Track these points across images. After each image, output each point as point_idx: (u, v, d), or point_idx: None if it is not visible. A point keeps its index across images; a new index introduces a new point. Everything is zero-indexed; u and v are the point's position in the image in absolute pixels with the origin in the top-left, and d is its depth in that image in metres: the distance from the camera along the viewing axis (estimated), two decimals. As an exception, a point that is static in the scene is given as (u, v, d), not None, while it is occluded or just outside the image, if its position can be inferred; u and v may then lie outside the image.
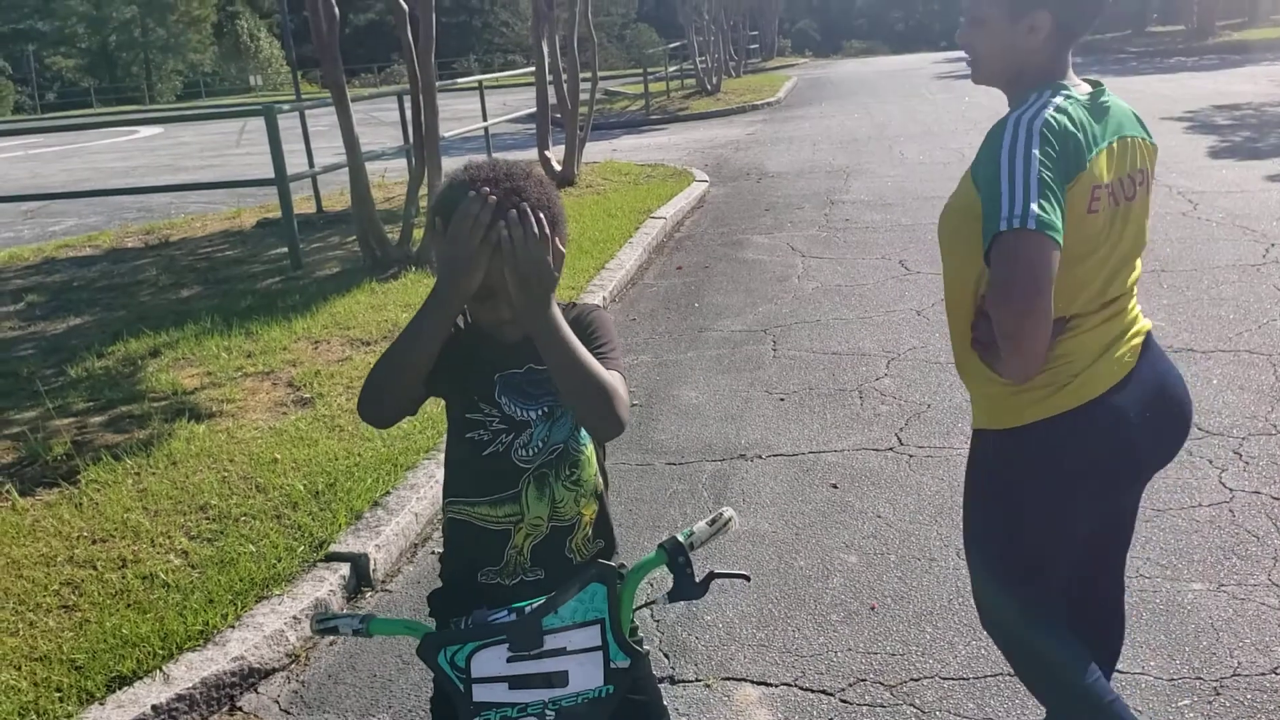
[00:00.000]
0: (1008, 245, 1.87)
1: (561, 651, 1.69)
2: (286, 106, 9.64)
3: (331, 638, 3.66)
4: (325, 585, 3.82)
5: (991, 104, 19.00)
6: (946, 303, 2.25)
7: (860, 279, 7.70)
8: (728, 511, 1.81)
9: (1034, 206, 1.87)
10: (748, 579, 1.90)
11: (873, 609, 3.55)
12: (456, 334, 1.89)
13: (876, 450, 4.76)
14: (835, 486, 4.44)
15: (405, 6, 8.50)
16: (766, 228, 9.95)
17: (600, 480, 1.95)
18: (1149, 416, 2.14)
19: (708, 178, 13.21)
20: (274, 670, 3.49)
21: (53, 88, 65.77)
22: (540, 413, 1.86)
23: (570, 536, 1.90)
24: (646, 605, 1.88)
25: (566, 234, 1.86)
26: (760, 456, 4.82)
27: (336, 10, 8.20)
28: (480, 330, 1.88)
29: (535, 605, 1.70)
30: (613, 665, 1.72)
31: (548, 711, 1.71)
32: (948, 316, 2.26)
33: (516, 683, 1.69)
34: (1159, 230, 8.28)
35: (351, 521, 4.24)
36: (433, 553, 4.25)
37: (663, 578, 1.84)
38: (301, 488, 4.47)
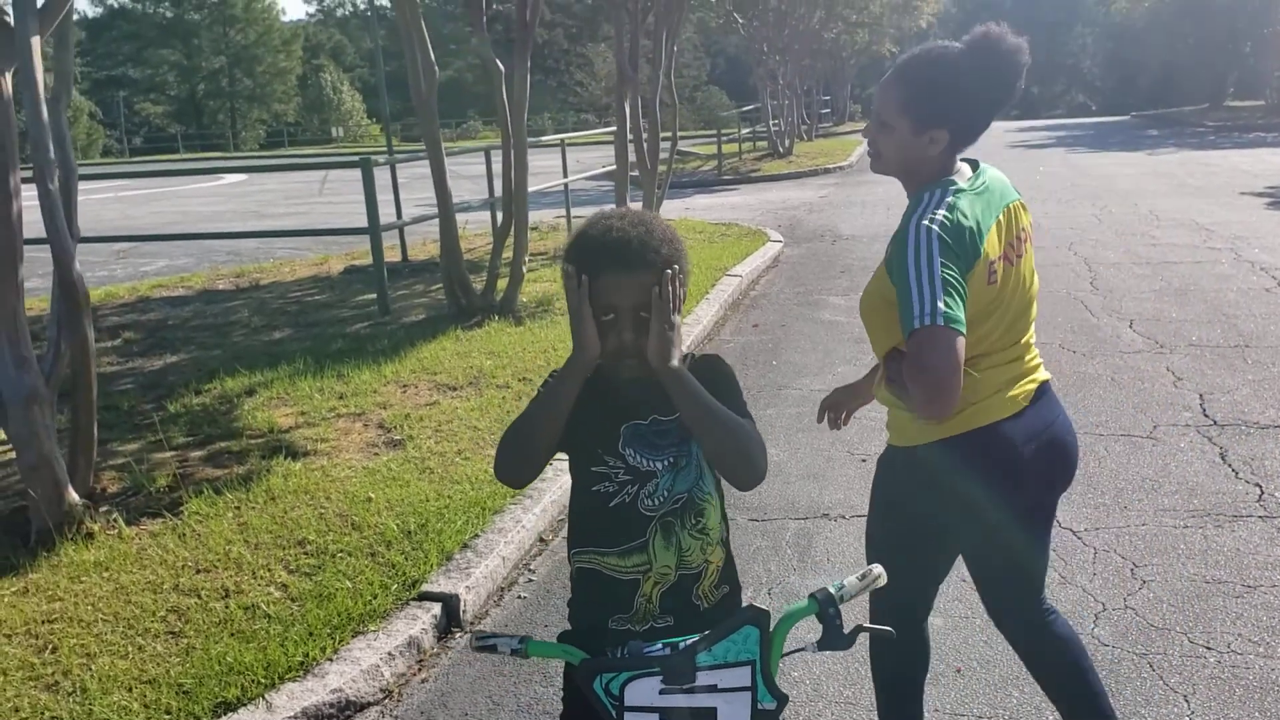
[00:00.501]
0: (921, 337, 2.22)
1: (712, 689, 1.75)
2: (381, 159, 9.95)
3: (424, 675, 3.76)
4: (418, 624, 3.92)
5: (1068, 174, 19.02)
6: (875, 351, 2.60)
7: (938, 344, 7.71)
8: (877, 568, 1.87)
9: (940, 304, 2.21)
10: (892, 635, 1.96)
11: (958, 671, 3.56)
12: (587, 390, 1.99)
13: (960, 514, 4.77)
14: (919, 549, 4.46)
15: (501, 66, 8.78)
16: (843, 289, 10.03)
17: (725, 528, 2.04)
18: (1034, 453, 2.45)
19: (782, 238, 13.34)
20: (369, 704, 3.59)
21: (140, 132, 68.08)
22: (666, 463, 1.95)
23: (698, 584, 1.97)
24: (795, 651, 1.94)
25: (688, 271, 2.01)
26: (844, 516, 4.86)
27: (436, 69, 8.49)
28: (605, 383, 1.97)
29: (691, 641, 1.77)
30: (760, 706, 1.78)
31: None
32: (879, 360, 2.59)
33: (667, 715, 1.75)
34: (1242, 306, 8.23)
35: (442, 562, 4.35)
36: (519, 597, 4.34)
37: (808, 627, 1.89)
38: (394, 527, 4.60)
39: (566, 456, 2.05)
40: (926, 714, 3.33)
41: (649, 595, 1.95)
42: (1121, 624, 3.78)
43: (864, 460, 5.50)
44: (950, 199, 2.34)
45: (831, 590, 1.85)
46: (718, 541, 2.00)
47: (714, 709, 1.76)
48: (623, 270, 1.89)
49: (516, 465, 1.96)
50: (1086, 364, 6.96)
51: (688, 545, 1.95)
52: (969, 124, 2.44)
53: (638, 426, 1.97)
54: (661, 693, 1.74)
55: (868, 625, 1.88)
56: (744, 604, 2.07)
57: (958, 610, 3.94)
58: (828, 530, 4.72)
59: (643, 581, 1.94)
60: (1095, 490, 4.95)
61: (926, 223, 2.29)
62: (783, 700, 1.80)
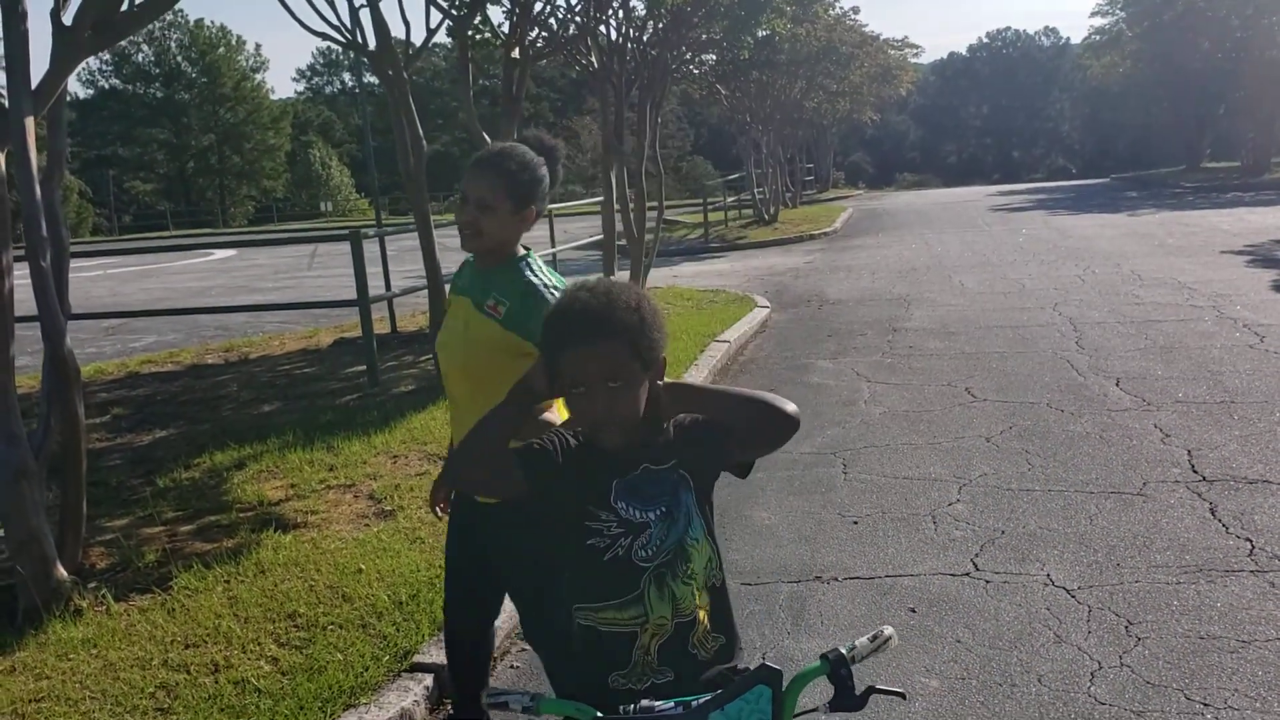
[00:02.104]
0: None
1: None
2: (370, 232, 10.03)
3: (417, 747, 3.71)
4: (410, 695, 3.88)
5: (1050, 235, 19.26)
6: (468, 398, 2.88)
7: (927, 405, 7.76)
8: (888, 630, 1.88)
9: None
10: (903, 697, 1.96)
11: (912, 611, 3.53)
12: (571, 450, 2.03)
13: (953, 575, 4.77)
14: (913, 610, 4.45)
15: (488, 139, 8.90)
16: (830, 353, 10.08)
17: (719, 575, 2.05)
18: None
19: (769, 303, 13.43)
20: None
21: (129, 210, 68.38)
22: (658, 513, 1.98)
23: (692, 632, 1.98)
24: (808, 713, 1.93)
25: (664, 347, 2.05)
26: (837, 579, 4.84)
27: (425, 144, 8.61)
28: (592, 445, 2.02)
29: (703, 700, 1.77)
30: None
31: None
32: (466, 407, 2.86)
33: None
34: (1226, 363, 8.30)
35: (434, 632, 4.31)
36: (512, 666, 4.31)
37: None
38: (386, 597, 4.57)
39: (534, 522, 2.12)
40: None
41: (647, 647, 1.95)
42: (1118, 682, 3.76)
43: (855, 522, 5.50)
44: (537, 263, 2.94)
45: (843, 651, 1.86)
46: (704, 586, 2.01)
47: None
48: (585, 342, 1.93)
49: (481, 476, 2.11)
50: (1074, 423, 6.99)
51: (681, 594, 1.97)
52: (543, 202, 2.96)
53: (630, 479, 1.99)
54: None
55: (880, 686, 1.88)
56: (739, 657, 2.08)
57: (953, 671, 3.92)
58: (820, 593, 4.70)
59: (640, 634, 1.95)
60: (1087, 548, 4.95)
61: (543, 282, 2.86)
62: None
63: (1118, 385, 7.92)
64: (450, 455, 2.03)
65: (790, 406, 2.05)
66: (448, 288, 9.29)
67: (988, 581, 4.68)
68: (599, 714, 1.81)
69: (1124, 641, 4.05)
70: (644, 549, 1.95)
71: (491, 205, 2.84)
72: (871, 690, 1.86)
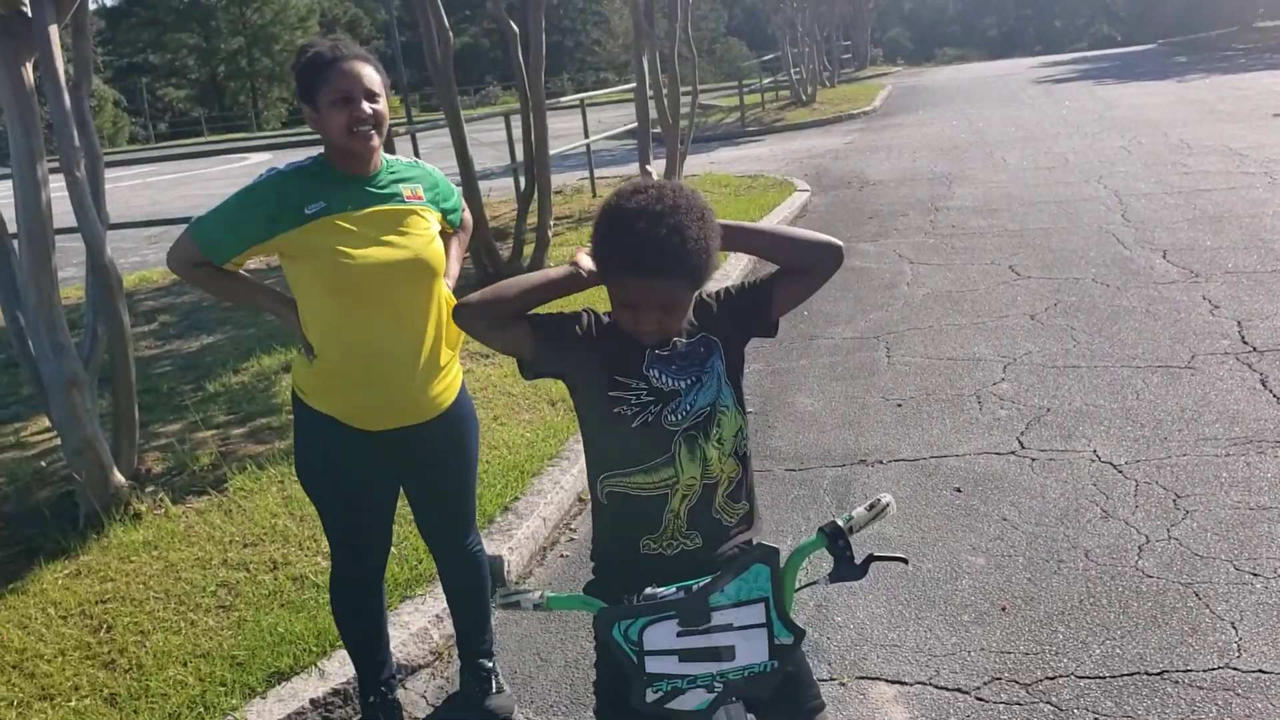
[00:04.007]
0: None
1: (728, 628, 1.78)
2: (401, 130, 9.94)
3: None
4: (464, 586, 3.96)
5: (1094, 107, 18.73)
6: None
7: (970, 285, 7.67)
8: (886, 497, 1.88)
9: None
10: (905, 562, 1.97)
11: (1003, 610, 3.57)
12: (603, 326, 2.05)
13: (998, 454, 4.77)
14: (959, 490, 4.46)
15: (516, 28, 8.73)
16: (871, 235, 9.95)
17: (745, 444, 2.07)
18: None
19: (809, 187, 13.24)
20: (420, 666, 3.65)
21: (164, 118, 68.32)
22: (689, 381, 1.99)
23: (716, 496, 2.01)
24: (807, 586, 1.96)
25: (717, 256, 1.98)
26: (881, 462, 4.85)
27: (451, 35, 8.45)
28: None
29: (702, 583, 1.79)
30: (777, 641, 1.81)
31: (716, 683, 1.81)
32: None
33: (686, 656, 1.78)
34: (1279, 230, 8.10)
35: (484, 525, 4.39)
36: (562, 555, 4.39)
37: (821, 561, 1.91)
38: (435, 494, 4.63)
39: (569, 389, 2.11)
40: (975, 651, 3.35)
41: (677, 511, 1.99)
42: (1166, 555, 3.76)
43: (899, 405, 5.49)
44: None
45: (840, 523, 1.87)
46: (732, 453, 2.03)
47: (732, 646, 1.79)
48: (651, 276, 1.88)
49: (486, 309, 2.02)
50: (1120, 297, 6.88)
51: (710, 455, 1.99)
52: None
53: (660, 350, 2.00)
54: (679, 635, 1.78)
55: (880, 554, 1.89)
56: (758, 526, 2.12)
57: (999, 549, 3.94)
58: (865, 476, 4.72)
59: (670, 496, 1.98)
60: (1134, 423, 4.91)
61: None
62: (799, 634, 1.83)
63: (1165, 257, 7.77)
64: (475, 295, 1.98)
65: (827, 237, 2.10)
66: (482, 184, 9.25)
67: (1033, 459, 4.67)
68: (604, 605, 1.83)
69: (1172, 515, 4.04)
70: (673, 414, 1.97)
71: (381, 93, 2.73)
72: (872, 558, 1.88)
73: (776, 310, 2.10)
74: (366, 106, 2.65)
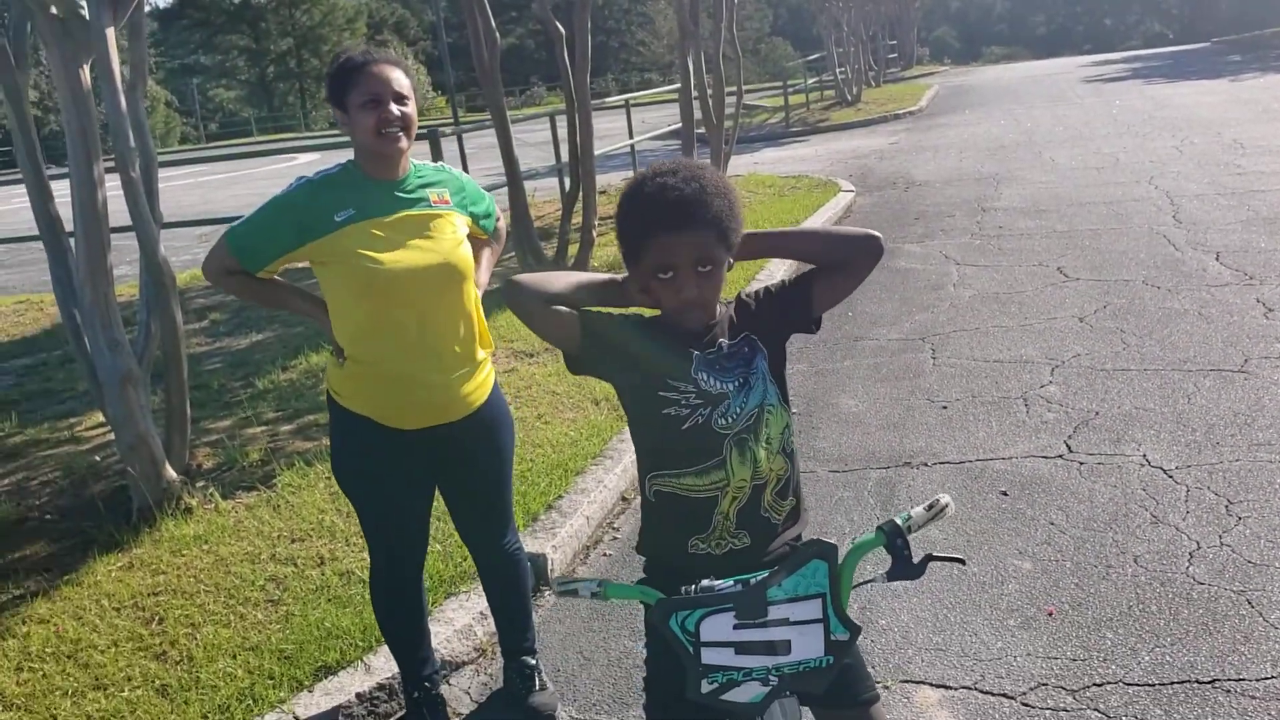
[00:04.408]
0: None
1: (784, 622, 1.79)
2: (448, 130, 10.01)
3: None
4: (508, 584, 3.99)
5: (1145, 106, 18.46)
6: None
7: (1018, 286, 7.59)
8: (944, 497, 1.88)
9: None
10: (963, 563, 1.97)
11: (1050, 615, 3.53)
12: (650, 322, 2.06)
13: (1045, 458, 4.72)
14: (1005, 494, 4.42)
15: (562, 30, 8.76)
16: (917, 236, 9.89)
17: (791, 441, 2.08)
18: None
19: (853, 187, 13.18)
20: (464, 663, 3.67)
21: (214, 118, 69.34)
22: (736, 384, 2.00)
23: (763, 494, 2.02)
24: (865, 583, 1.96)
25: (742, 220, 2.03)
26: (926, 464, 4.82)
27: (498, 36, 8.50)
28: (669, 324, 2.04)
29: (761, 577, 1.80)
30: (833, 638, 1.81)
31: (771, 677, 1.81)
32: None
33: (742, 648, 1.79)
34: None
35: (528, 523, 4.42)
36: (605, 555, 4.40)
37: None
38: (480, 492, 4.66)
39: (617, 390, 2.13)
40: (1021, 656, 3.32)
41: (726, 512, 2.00)
42: (1218, 562, 3.71)
43: (945, 407, 5.45)
44: None
45: (899, 521, 1.87)
46: (779, 450, 2.04)
47: (788, 641, 1.79)
48: (679, 229, 1.91)
49: (537, 289, 2.04)
50: (1172, 299, 6.78)
51: (760, 457, 2.00)
52: None
53: (707, 353, 2.01)
54: (735, 627, 1.78)
55: (938, 554, 1.89)
56: (804, 519, 2.13)
57: (1045, 554, 3.90)
58: (910, 478, 4.69)
59: (721, 499, 1.99)
60: (1185, 427, 4.85)
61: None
62: (855, 630, 1.83)
63: (1218, 259, 7.65)
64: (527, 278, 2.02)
65: (864, 229, 2.10)
66: (527, 184, 9.30)
67: (1081, 463, 4.62)
68: (663, 596, 1.84)
69: (1224, 521, 3.98)
70: (723, 417, 1.98)
71: (410, 96, 2.78)
72: (930, 558, 1.88)
73: (818, 307, 2.11)
74: (395, 109, 2.70)
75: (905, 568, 1.86)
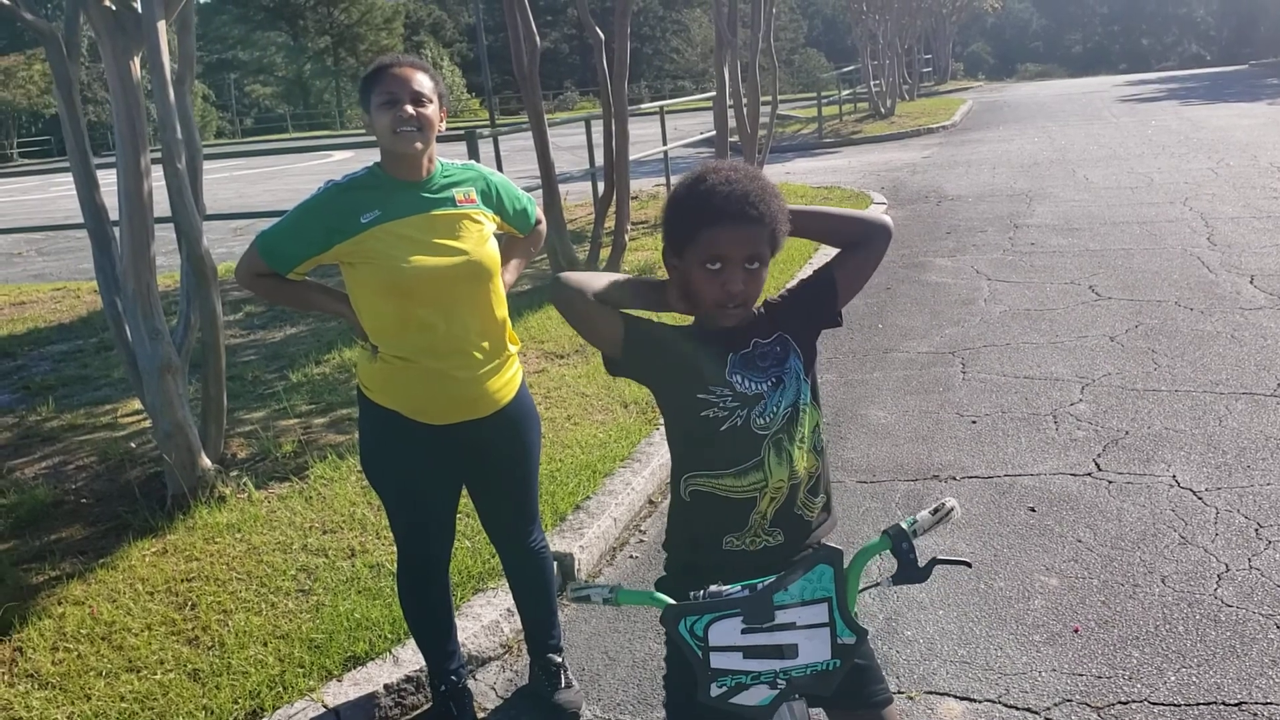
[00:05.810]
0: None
1: (792, 626, 1.81)
2: (485, 133, 10.08)
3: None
4: (535, 582, 4.02)
5: (1181, 127, 18.36)
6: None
7: (1049, 303, 7.58)
8: (950, 501, 1.89)
9: None
10: (969, 565, 1.99)
11: (1076, 632, 3.53)
12: (686, 330, 2.10)
13: (1074, 475, 4.72)
14: (1033, 510, 4.43)
15: (601, 35, 8.81)
16: (949, 250, 9.88)
17: (822, 438, 2.11)
18: None
19: (885, 200, 13.17)
20: (491, 659, 3.71)
21: (250, 113, 69.94)
22: (770, 384, 2.04)
23: (798, 493, 2.05)
24: (871, 587, 1.98)
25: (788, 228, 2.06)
26: (954, 478, 4.83)
27: (539, 40, 8.56)
28: (702, 327, 2.09)
29: (767, 582, 1.83)
30: (840, 641, 1.83)
31: (779, 680, 1.84)
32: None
33: (750, 653, 1.81)
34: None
35: (556, 523, 4.45)
36: (631, 557, 4.43)
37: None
38: (509, 490, 4.71)
39: (654, 393, 2.17)
40: (1046, 671, 3.32)
41: (764, 512, 2.04)
42: (1246, 585, 3.70)
43: (974, 422, 5.45)
44: None
45: (904, 525, 1.88)
46: (812, 448, 2.07)
47: (795, 645, 1.82)
48: (736, 222, 1.94)
49: (582, 286, 2.07)
50: (1204, 321, 6.76)
51: (796, 457, 2.04)
52: None
53: (743, 354, 2.05)
54: (743, 632, 1.81)
55: (943, 558, 1.91)
56: (836, 514, 2.18)
57: (1073, 571, 3.91)
58: (937, 491, 4.70)
59: (759, 499, 2.03)
60: (1216, 450, 4.83)
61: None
62: (862, 634, 1.85)
63: (1252, 282, 7.61)
64: (575, 276, 2.06)
65: (880, 215, 2.16)
66: (560, 187, 9.36)
67: (1110, 482, 4.61)
68: (672, 602, 1.87)
69: (1253, 544, 3.97)
70: (760, 417, 2.01)
71: (432, 99, 2.82)
72: (936, 561, 1.89)
73: (842, 296, 2.14)
74: (409, 108, 2.75)
75: (911, 571, 1.87)
